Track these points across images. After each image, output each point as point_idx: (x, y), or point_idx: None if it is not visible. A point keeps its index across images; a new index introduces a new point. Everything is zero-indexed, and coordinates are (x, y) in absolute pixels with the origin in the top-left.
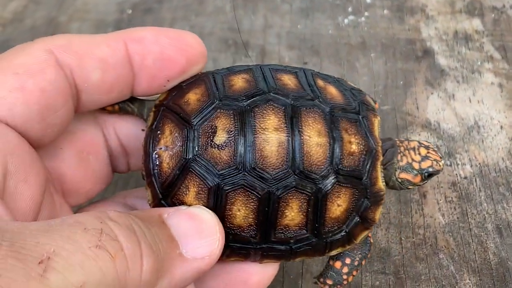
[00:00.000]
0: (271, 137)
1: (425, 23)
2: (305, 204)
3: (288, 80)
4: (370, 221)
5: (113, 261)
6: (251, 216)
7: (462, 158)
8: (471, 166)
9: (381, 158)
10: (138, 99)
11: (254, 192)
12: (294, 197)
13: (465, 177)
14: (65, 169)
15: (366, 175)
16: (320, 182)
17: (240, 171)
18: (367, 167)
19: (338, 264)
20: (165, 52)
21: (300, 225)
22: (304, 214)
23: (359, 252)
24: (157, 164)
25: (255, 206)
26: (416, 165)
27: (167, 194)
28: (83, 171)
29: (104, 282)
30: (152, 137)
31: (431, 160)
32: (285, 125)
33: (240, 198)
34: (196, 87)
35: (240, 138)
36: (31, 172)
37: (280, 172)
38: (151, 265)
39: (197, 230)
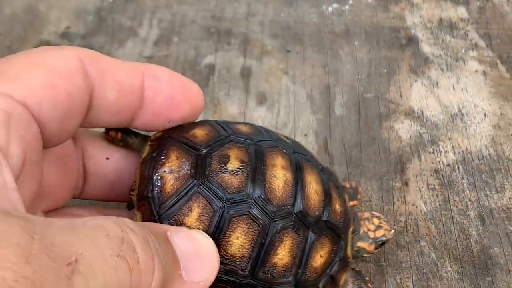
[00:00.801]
0: (279, 173)
1: (409, 11)
2: (295, 246)
3: (285, 144)
4: (335, 283)
5: (130, 273)
6: (247, 247)
7: (445, 146)
8: (454, 153)
9: (352, 226)
10: (141, 134)
11: (256, 222)
12: (289, 236)
13: (448, 165)
14: (45, 170)
15: (343, 236)
16: (312, 227)
17: (249, 198)
18: (344, 229)
19: None
20: (175, 95)
21: (286, 266)
22: (293, 256)
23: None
24: (158, 185)
25: (254, 236)
26: (371, 234)
27: (165, 214)
28: (61, 176)
29: None
30: (153, 162)
31: (383, 230)
32: (291, 167)
33: (242, 226)
34: (201, 126)
35: (252, 169)
36: (38, 167)
37: (283, 207)
38: (159, 281)
39: (197, 254)
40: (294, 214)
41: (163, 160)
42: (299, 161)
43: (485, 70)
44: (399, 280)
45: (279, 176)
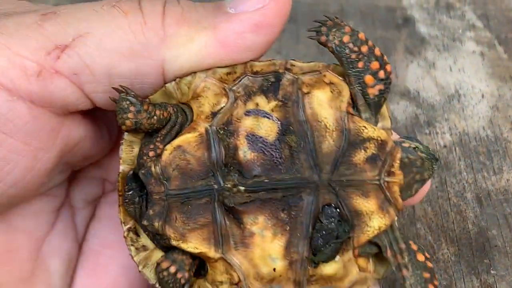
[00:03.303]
0: None
1: None
2: None
3: None
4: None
5: (125, 16)
6: None
7: (441, 127)
8: (451, 135)
9: None
10: None
11: None
12: None
13: (445, 146)
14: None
15: None
16: None
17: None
18: None
19: None
20: None
21: None
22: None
23: None
24: None
25: None
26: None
27: None
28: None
29: (113, 35)
30: None
31: None
32: None
33: None
34: None
35: None
36: None
37: None
38: (176, 18)
39: None
40: None
41: None
42: None
43: (483, 51)
44: None
45: None
